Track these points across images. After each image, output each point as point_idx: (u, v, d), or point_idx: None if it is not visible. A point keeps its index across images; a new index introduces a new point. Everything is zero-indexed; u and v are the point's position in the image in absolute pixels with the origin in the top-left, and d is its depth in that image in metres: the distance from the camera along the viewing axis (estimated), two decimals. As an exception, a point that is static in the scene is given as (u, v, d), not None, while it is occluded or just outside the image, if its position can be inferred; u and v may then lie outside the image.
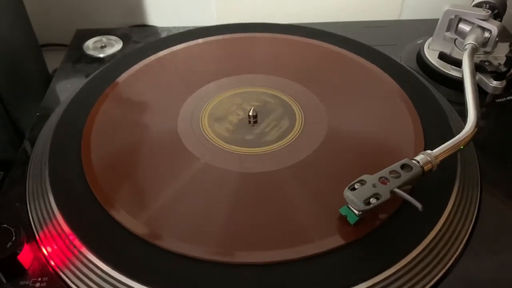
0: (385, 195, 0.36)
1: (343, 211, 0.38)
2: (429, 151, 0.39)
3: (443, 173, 0.41)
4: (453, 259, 0.38)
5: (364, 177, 0.37)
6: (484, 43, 0.54)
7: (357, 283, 0.35)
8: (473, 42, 0.52)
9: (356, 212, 0.37)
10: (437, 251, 0.38)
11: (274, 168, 0.43)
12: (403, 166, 0.38)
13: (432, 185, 0.41)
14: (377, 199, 0.36)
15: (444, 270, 0.37)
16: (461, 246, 0.39)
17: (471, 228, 0.40)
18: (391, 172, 0.37)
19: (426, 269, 0.37)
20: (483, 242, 0.40)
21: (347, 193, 0.36)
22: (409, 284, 0.36)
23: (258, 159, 0.44)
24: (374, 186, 0.36)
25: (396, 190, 0.36)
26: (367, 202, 0.36)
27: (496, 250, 0.39)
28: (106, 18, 0.76)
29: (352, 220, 0.37)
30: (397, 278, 0.35)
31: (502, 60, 0.54)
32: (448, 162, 0.42)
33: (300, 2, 0.76)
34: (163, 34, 0.67)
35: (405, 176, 0.37)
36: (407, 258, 0.36)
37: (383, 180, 0.37)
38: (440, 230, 0.38)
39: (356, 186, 0.37)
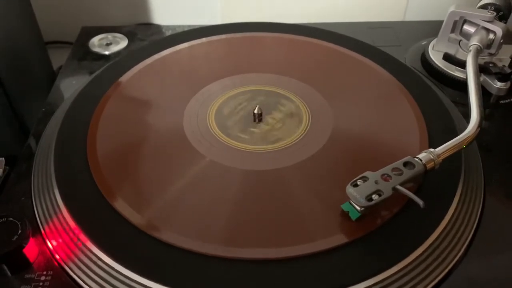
0: (387, 192, 0.36)
1: (345, 207, 0.38)
2: (431, 150, 0.39)
3: (447, 173, 0.41)
4: (456, 259, 0.38)
5: (367, 173, 0.37)
6: (489, 44, 0.54)
7: (359, 281, 0.35)
8: (477, 43, 0.52)
9: (358, 208, 0.37)
10: (440, 250, 0.38)
11: (279, 166, 0.44)
12: (405, 164, 0.38)
13: (436, 185, 0.41)
14: (379, 195, 0.36)
15: (447, 270, 0.37)
16: (465, 246, 0.39)
17: (474, 228, 0.41)
18: (394, 169, 0.38)
19: (429, 269, 0.37)
20: (486, 242, 0.40)
21: (350, 189, 0.37)
22: (411, 284, 0.36)
23: (264, 157, 0.45)
24: (376, 182, 0.37)
25: (398, 187, 0.36)
26: (369, 199, 0.36)
27: (499, 250, 0.40)
28: (112, 16, 0.77)
29: (354, 216, 0.37)
30: (399, 277, 0.36)
31: (507, 62, 0.54)
32: (453, 163, 0.42)
33: (305, 2, 0.76)
34: (168, 33, 0.67)
35: (408, 173, 0.37)
36: (410, 257, 0.36)
37: (385, 177, 0.37)
38: (443, 230, 0.38)
39: (358, 183, 0.37)
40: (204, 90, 0.53)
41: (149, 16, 0.78)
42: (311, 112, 0.50)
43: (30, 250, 0.37)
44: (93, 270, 0.36)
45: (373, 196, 0.36)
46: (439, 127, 0.47)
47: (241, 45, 0.60)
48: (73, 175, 0.43)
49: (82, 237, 0.38)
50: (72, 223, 0.39)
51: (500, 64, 0.54)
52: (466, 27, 0.56)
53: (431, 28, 0.64)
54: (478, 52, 0.52)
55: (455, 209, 0.40)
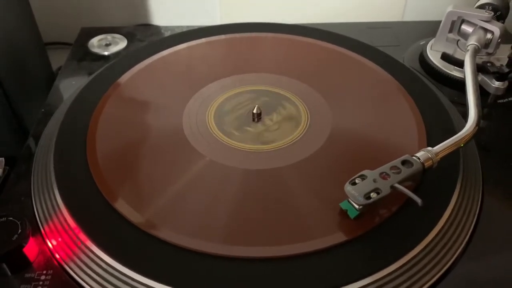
0: (385, 190, 0.36)
1: (343, 205, 0.38)
2: (429, 148, 0.40)
3: (445, 172, 0.42)
4: (454, 257, 0.38)
5: (365, 172, 0.38)
6: (487, 44, 0.54)
7: (358, 279, 0.35)
8: (475, 43, 0.52)
9: (357, 206, 0.37)
10: (439, 249, 0.38)
11: (278, 165, 0.44)
12: (404, 162, 0.38)
13: (434, 183, 0.41)
14: (378, 193, 0.36)
15: (445, 269, 0.37)
16: (463, 245, 0.39)
17: (472, 227, 0.41)
18: (392, 167, 0.38)
19: (427, 267, 0.37)
20: (484, 241, 0.40)
21: (348, 187, 0.37)
22: (409, 282, 0.36)
23: (263, 157, 0.45)
24: (374, 181, 0.37)
25: (396, 185, 0.36)
26: (368, 197, 0.36)
27: (497, 249, 0.40)
28: (111, 16, 0.77)
29: (352, 214, 0.38)
30: (397, 275, 0.36)
31: (504, 61, 0.54)
32: (451, 162, 0.42)
33: (304, 2, 0.76)
34: (167, 34, 0.67)
35: (406, 172, 0.38)
36: (408, 255, 0.36)
37: (383, 175, 0.37)
38: (441, 229, 0.39)
39: (357, 181, 0.37)
40: (203, 90, 0.53)
41: (148, 17, 0.78)
42: (310, 111, 0.50)
43: (30, 249, 0.38)
44: (93, 269, 0.36)
45: (372, 194, 0.36)
46: (438, 127, 0.47)
47: (240, 46, 0.61)
48: (72, 174, 0.43)
49: (82, 236, 0.38)
50: (71, 222, 0.39)
51: (498, 64, 0.54)
52: (464, 27, 0.56)
53: (430, 28, 0.64)
54: (476, 51, 0.52)
55: (453, 207, 0.40)
